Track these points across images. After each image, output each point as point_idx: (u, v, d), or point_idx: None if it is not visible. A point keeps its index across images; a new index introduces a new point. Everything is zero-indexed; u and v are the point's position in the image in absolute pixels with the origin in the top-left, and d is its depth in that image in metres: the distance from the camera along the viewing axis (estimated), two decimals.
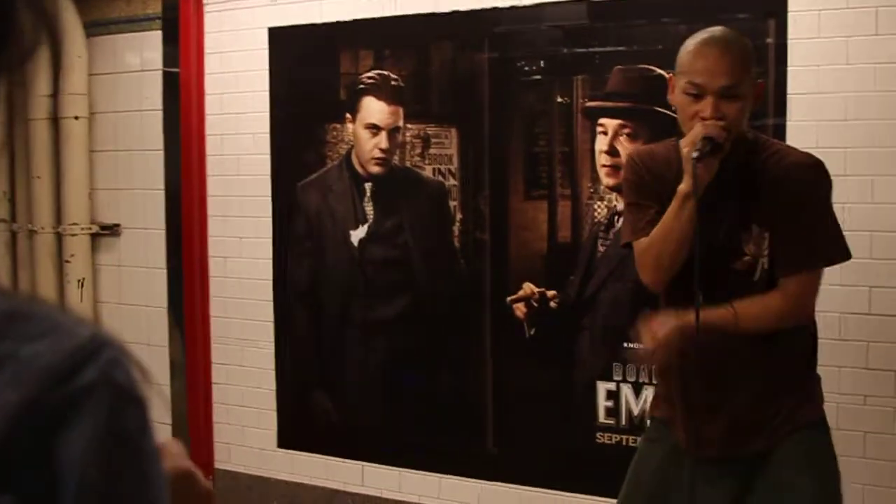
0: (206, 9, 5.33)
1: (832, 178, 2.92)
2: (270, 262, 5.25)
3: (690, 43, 2.89)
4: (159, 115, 5.46)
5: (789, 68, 3.98)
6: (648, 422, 3.24)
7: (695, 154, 2.72)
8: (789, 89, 3.98)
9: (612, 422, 4.42)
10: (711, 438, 2.95)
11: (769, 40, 4.00)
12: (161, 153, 5.47)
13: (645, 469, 3.10)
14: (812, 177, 2.88)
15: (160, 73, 5.45)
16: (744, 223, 2.89)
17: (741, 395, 2.93)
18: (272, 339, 5.28)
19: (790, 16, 3.99)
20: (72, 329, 0.85)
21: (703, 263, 2.81)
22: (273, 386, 5.30)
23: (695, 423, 2.97)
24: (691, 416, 2.97)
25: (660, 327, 2.87)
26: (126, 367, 0.87)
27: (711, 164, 2.76)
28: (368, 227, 4.94)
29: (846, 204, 3.88)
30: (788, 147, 3.02)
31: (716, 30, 2.92)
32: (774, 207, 2.86)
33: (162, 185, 5.48)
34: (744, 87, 2.82)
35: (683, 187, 2.80)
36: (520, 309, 4.59)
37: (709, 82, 2.79)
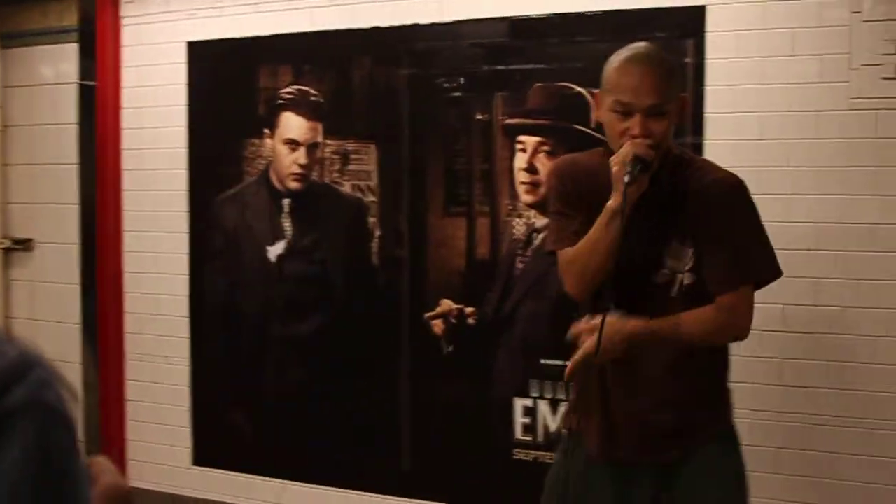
0: (124, 21, 5.28)
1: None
2: (187, 277, 5.19)
3: (616, 60, 2.88)
4: (75, 128, 5.39)
5: (707, 87, 4.03)
6: (563, 433, 3.24)
7: (626, 178, 2.72)
8: (707, 108, 4.03)
9: (529, 438, 4.43)
10: (626, 445, 2.97)
11: (687, 60, 4.04)
12: (76, 167, 5.39)
13: (561, 480, 3.10)
14: (731, 195, 2.91)
15: (76, 85, 5.38)
16: (664, 238, 2.90)
17: (657, 404, 2.95)
18: (188, 355, 5.22)
19: (708, 36, 4.04)
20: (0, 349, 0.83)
21: (624, 275, 2.85)
22: (188, 403, 5.24)
23: (610, 429, 2.98)
24: (608, 421, 2.98)
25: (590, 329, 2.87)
26: (55, 387, 0.85)
27: (641, 181, 2.78)
28: (286, 242, 4.91)
29: (763, 222, 3.94)
30: (712, 164, 3.03)
31: (641, 46, 2.93)
32: (696, 223, 2.87)
33: (77, 200, 5.40)
34: (670, 104, 2.84)
35: (612, 204, 2.79)
36: (438, 325, 4.59)
37: (636, 101, 2.79)
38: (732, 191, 2.91)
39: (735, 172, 2.97)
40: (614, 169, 2.77)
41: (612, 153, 2.85)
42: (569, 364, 2.92)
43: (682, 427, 2.95)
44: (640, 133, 2.78)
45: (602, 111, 2.91)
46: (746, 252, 2.92)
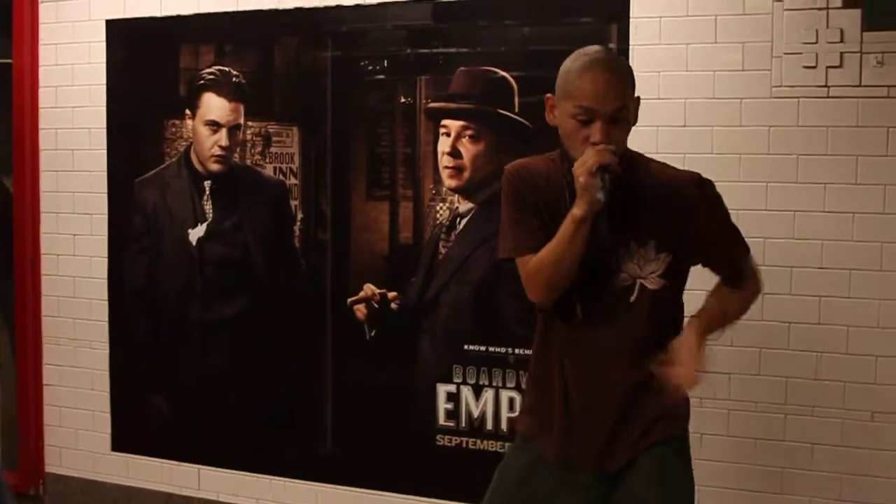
0: None
1: None
2: (105, 260, 5.11)
3: (575, 66, 2.83)
4: None
5: None
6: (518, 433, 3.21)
7: (600, 195, 2.70)
8: None
9: (451, 424, 4.41)
10: (584, 454, 2.96)
11: (611, 45, 4.03)
12: None
13: (509, 477, 3.09)
14: (692, 191, 2.92)
15: None
16: (622, 242, 2.88)
17: (612, 410, 2.94)
18: (106, 339, 5.14)
19: (632, 21, 4.03)
20: None
21: (585, 280, 2.86)
22: (107, 388, 5.17)
23: (569, 434, 2.97)
24: (567, 426, 2.97)
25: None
26: None
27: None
28: (207, 225, 4.84)
29: None
30: (665, 164, 3.01)
31: (598, 51, 2.88)
32: (669, 226, 2.87)
33: None
34: (628, 109, 2.82)
35: (577, 212, 2.77)
36: (360, 310, 4.55)
37: (600, 107, 2.76)
38: (698, 186, 2.94)
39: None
40: (581, 179, 2.73)
41: (567, 158, 2.85)
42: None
43: (631, 432, 2.94)
44: (602, 139, 2.75)
45: (559, 117, 2.86)
46: (736, 232, 3.05)
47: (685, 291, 3.02)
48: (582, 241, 2.78)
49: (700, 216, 2.90)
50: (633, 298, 2.89)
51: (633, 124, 2.90)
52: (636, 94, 2.90)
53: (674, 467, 2.98)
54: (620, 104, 2.77)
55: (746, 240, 3.07)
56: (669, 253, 2.88)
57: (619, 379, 2.93)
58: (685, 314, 3.03)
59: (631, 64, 3.87)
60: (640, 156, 3.01)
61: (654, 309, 2.89)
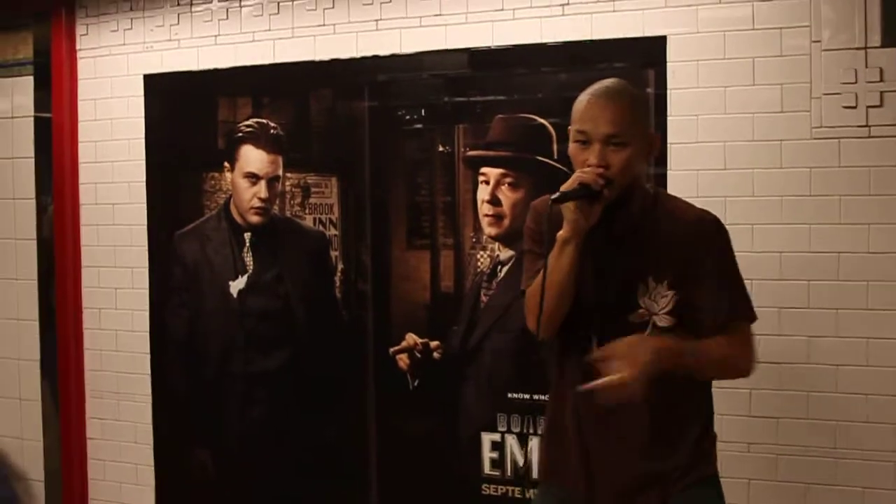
0: (80, 54, 5.22)
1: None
2: (147, 313, 5.12)
3: (582, 94, 2.93)
4: (31, 162, 5.31)
5: (669, 118, 4.01)
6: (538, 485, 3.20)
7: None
8: (669, 138, 4.01)
9: (497, 473, 4.38)
10: (607, 494, 2.95)
11: (649, 90, 4.02)
12: (33, 201, 5.32)
13: None
14: (718, 235, 2.94)
15: (32, 118, 5.31)
16: (640, 276, 2.90)
17: (639, 452, 2.93)
18: (149, 392, 5.14)
19: (669, 66, 4.03)
20: None
21: (598, 314, 2.88)
22: (150, 441, 5.16)
23: (589, 476, 2.96)
24: (587, 469, 2.96)
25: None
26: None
27: (588, 210, 2.81)
28: (248, 277, 4.85)
29: None
30: (684, 202, 3.03)
31: (607, 81, 2.95)
32: (679, 265, 2.88)
33: (34, 235, 5.33)
34: (630, 137, 2.85)
35: (562, 234, 2.83)
36: (403, 360, 4.54)
37: (593, 130, 2.84)
38: (718, 231, 2.95)
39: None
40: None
41: None
42: (599, 384, 2.77)
43: (663, 474, 2.92)
44: (597, 162, 2.81)
45: (569, 144, 2.93)
46: (742, 291, 2.96)
47: None
48: (569, 263, 2.83)
49: (710, 258, 2.90)
50: (647, 333, 2.89)
51: (649, 157, 2.99)
52: (651, 129, 2.97)
53: None
54: (615, 130, 2.83)
55: (755, 306, 3.01)
56: (679, 290, 2.88)
57: (638, 417, 2.90)
58: None
59: (669, 108, 3.92)
60: (664, 193, 3.07)
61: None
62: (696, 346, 2.87)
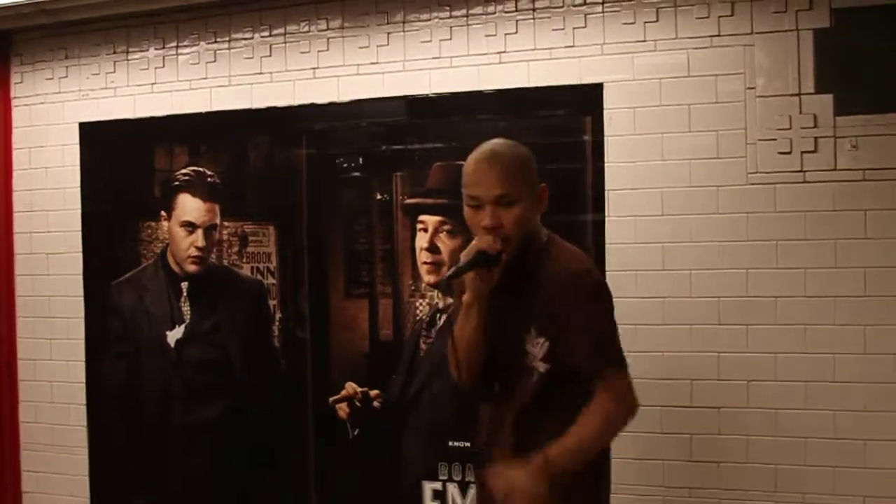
0: (14, 102, 5.17)
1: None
2: (83, 364, 5.04)
3: (469, 159, 3.01)
4: None
5: (606, 164, 4.03)
6: None
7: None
8: (607, 185, 4.02)
9: None
10: None
11: (586, 137, 4.04)
12: None
13: None
14: (578, 286, 2.93)
15: None
16: (526, 325, 2.97)
17: None
18: (85, 444, 5.06)
19: (606, 112, 4.05)
20: None
21: (497, 361, 3.04)
22: (87, 494, 5.07)
23: None
24: None
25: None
26: None
27: (488, 275, 2.89)
28: (185, 327, 4.79)
29: (667, 298, 3.94)
30: (566, 252, 3.05)
31: (490, 142, 3.03)
32: (546, 314, 2.93)
33: None
34: (518, 194, 2.92)
35: (465, 298, 2.96)
36: (343, 409, 4.51)
37: (483, 193, 2.92)
38: (583, 283, 2.95)
39: (583, 257, 3.07)
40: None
41: None
42: None
43: None
44: (491, 223, 2.90)
45: (464, 208, 3.01)
46: (610, 338, 2.95)
47: None
48: (474, 322, 2.96)
49: (576, 309, 2.90)
50: (533, 378, 2.96)
51: (541, 208, 3.01)
52: (537, 181, 2.98)
53: None
54: (503, 190, 2.90)
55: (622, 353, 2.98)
56: (547, 339, 2.93)
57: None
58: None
59: (606, 155, 3.94)
60: (555, 242, 3.06)
61: (547, 390, 2.94)
62: (575, 440, 2.86)
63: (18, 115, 5.19)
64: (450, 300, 4.24)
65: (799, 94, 3.82)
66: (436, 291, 4.33)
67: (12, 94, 5.18)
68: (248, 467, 4.73)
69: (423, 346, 4.36)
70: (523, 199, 2.94)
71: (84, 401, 5.06)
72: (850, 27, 3.78)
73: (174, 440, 4.87)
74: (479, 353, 3.02)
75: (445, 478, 4.32)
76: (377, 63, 4.43)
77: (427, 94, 4.33)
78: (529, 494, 2.78)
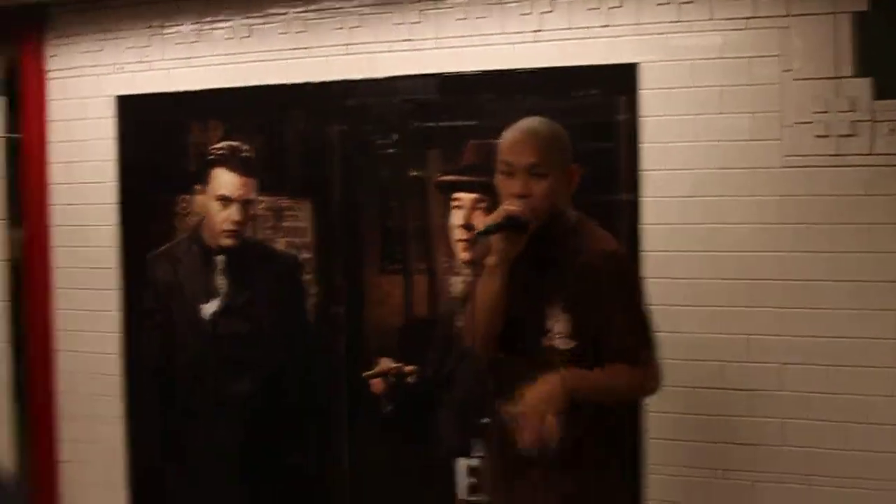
0: (50, 75, 5.19)
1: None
2: (118, 335, 5.10)
3: (507, 131, 3.09)
4: (2, 183, 5.28)
5: (641, 145, 4.03)
6: None
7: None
8: (641, 165, 4.03)
9: (476, 499, 4.38)
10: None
11: (620, 117, 4.04)
12: (3, 223, 5.28)
13: None
14: (613, 267, 3.02)
15: (2, 139, 5.27)
16: (548, 301, 3.01)
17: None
18: (121, 414, 5.12)
19: (640, 94, 4.04)
20: None
21: (517, 336, 3.05)
22: (123, 463, 5.14)
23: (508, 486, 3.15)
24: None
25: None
26: None
27: (515, 239, 2.94)
28: (220, 300, 4.83)
29: (699, 279, 3.96)
30: (597, 234, 3.12)
31: (530, 119, 3.11)
32: (577, 294, 2.98)
33: (4, 256, 5.29)
34: (550, 168, 2.99)
35: (490, 260, 2.98)
36: (377, 384, 4.54)
37: (516, 160, 2.99)
38: (619, 265, 3.07)
39: (613, 239, 3.15)
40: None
41: None
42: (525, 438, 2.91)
43: None
44: (521, 190, 2.97)
45: (496, 175, 3.07)
46: (641, 319, 3.05)
47: None
48: (496, 286, 2.98)
49: (608, 289, 2.98)
50: (555, 357, 3.00)
51: (570, 189, 3.07)
52: (570, 160, 3.06)
53: None
54: (536, 160, 2.97)
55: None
56: (576, 316, 2.98)
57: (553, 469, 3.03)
58: None
59: (641, 135, 3.94)
60: (584, 223, 3.13)
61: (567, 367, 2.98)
62: (600, 375, 2.96)
63: (53, 88, 5.21)
64: None
65: (836, 78, 3.80)
66: (470, 269, 4.34)
67: (47, 67, 5.20)
68: (280, 440, 4.78)
69: (457, 322, 4.38)
70: (554, 174, 3.00)
71: (120, 371, 5.11)
72: (889, 10, 3.76)
73: (208, 412, 4.92)
74: (496, 320, 3.04)
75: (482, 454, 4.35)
76: (410, 40, 4.43)
77: (461, 72, 4.34)
78: (544, 399, 2.87)
